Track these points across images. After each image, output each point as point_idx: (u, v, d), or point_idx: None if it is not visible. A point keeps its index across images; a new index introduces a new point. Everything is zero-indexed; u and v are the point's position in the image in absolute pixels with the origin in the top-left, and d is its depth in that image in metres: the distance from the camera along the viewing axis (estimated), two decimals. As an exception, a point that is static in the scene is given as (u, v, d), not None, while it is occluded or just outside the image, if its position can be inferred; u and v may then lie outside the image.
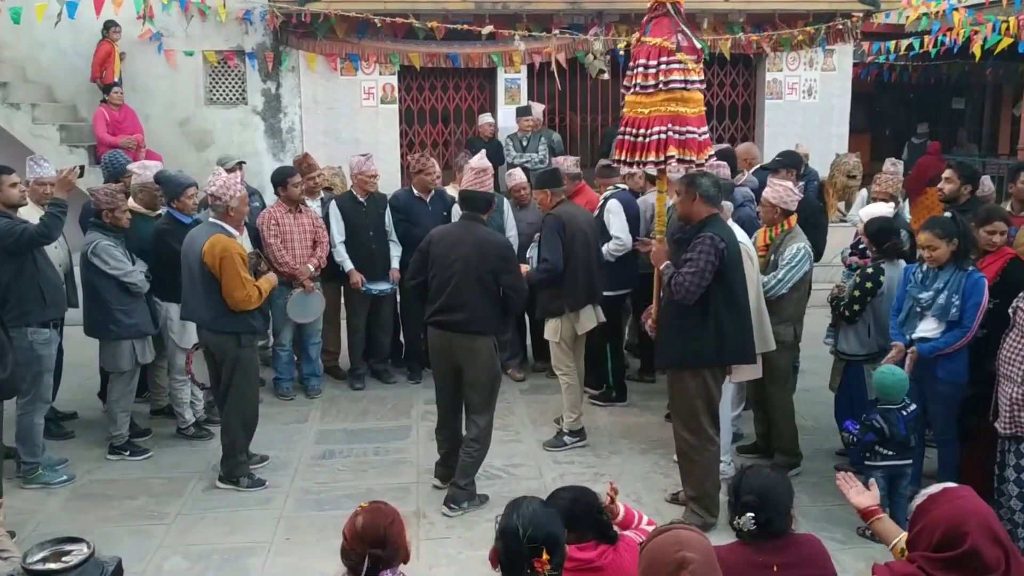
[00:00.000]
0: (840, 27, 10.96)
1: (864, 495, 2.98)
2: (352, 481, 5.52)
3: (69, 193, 5.54)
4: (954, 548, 2.31)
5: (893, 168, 6.58)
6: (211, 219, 5.27)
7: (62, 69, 10.08)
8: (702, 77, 4.88)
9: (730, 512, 2.82)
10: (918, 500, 2.48)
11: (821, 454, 5.83)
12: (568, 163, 6.87)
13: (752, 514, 2.68)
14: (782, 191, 5.30)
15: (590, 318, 6.00)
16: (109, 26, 9.59)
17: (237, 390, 5.31)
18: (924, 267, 4.84)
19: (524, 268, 5.92)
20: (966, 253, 4.71)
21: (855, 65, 11.93)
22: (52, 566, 2.38)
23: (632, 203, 6.63)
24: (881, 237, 5.32)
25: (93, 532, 4.82)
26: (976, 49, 10.76)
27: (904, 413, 4.67)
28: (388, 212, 7.21)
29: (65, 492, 5.39)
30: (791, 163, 6.65)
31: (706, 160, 4.91)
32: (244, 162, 7.83)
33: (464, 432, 5.25)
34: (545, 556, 2.40)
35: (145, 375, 6.39)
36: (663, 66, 4.74)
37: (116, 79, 9.64)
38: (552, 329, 5.95)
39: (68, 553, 2.44)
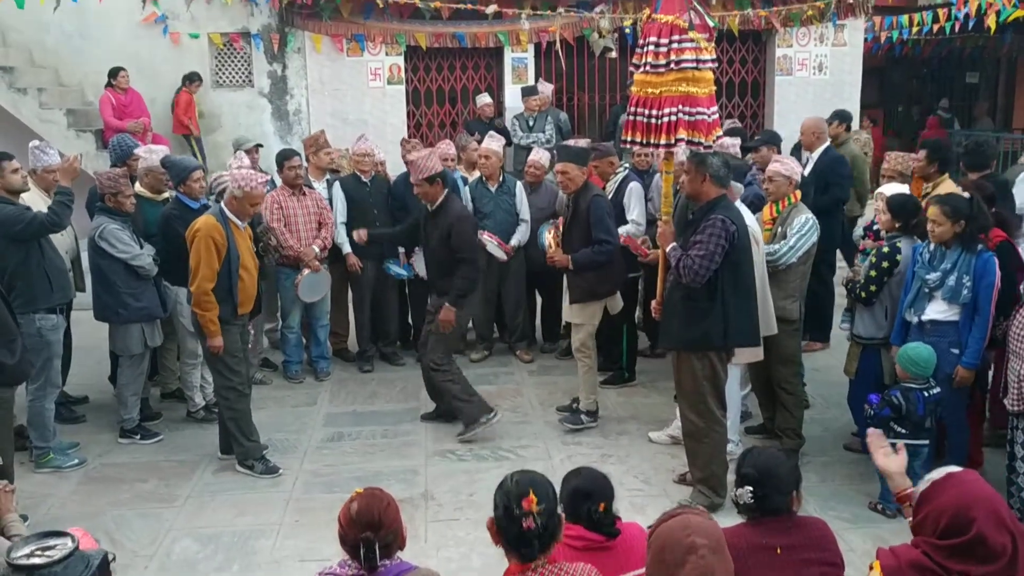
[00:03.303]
0: (851, 1, 10.83)
1: (892, 460, 2.85)
2: (361, 463, 5.55)
3: (73, 180, 5.56)
4: (961, 535, 2.27)
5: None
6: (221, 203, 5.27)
7: (69, 52, 10.06)
8: (714, 56, 4.83)
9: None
10: (922, 486, 2.42)
11: (830, 434, 5.81)
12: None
13: (750, 487, 2.67)
14: (792, 164, 5.39)
15: (618, 298, 6.09)
16: (193, 78, 9.73)
17: (214, 371, 5.39)
18: (931, 247, 4.73)
19: (553, 250, 6.03)
20: (972, 237, 4.59)
21: (866, 40, 11.78)
22: (36, 561, 2.35)
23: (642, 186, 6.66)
24: (909, 212, 5.08)
25: (104, 515, 4.89)
26: (991, 21, 10.60)
27: (926, 394, 4.62)
28: None
29: (76, 476, 5.43)
30: (771, 140, 6.97)
31: (714, 141, 4.87)
32: (261, 145, 7.82)
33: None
34: (532, 496, 2.37)
35: (155, 359, 6.43)
36: (675, 45, 4.68)
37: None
38: (589, 313, 5.87)
39: (52, 548, 2.40)
